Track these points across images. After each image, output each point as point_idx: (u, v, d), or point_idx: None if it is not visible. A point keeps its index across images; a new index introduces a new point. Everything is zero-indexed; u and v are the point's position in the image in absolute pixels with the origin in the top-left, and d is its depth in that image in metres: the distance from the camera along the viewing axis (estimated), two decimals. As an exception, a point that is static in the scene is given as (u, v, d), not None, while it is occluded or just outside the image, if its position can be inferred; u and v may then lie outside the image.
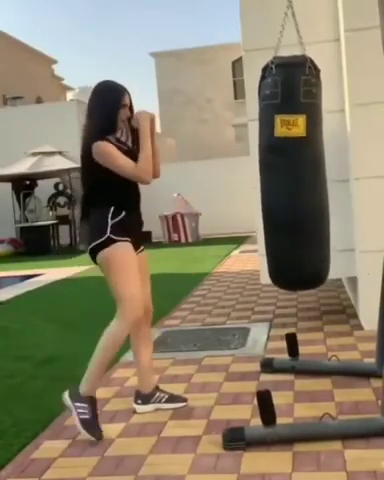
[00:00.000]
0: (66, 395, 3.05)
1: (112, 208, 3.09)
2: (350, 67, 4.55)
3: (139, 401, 3.33)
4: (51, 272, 10.27)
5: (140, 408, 3.31)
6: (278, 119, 3.63)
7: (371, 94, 4.43)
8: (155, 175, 3.25)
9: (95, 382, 3.08)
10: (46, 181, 16.33)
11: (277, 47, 3.71)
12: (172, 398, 3.35)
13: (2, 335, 5.65)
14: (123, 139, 3.25)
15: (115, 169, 3.07)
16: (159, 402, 3.32)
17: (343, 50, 4.68)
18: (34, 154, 15.85)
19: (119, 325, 3.06)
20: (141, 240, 3.30)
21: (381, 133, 4.45)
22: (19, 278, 10.27)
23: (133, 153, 3.15)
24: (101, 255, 3.07)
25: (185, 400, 3.36)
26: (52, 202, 16.64)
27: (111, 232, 3.05)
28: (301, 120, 3.62)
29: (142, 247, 3.31)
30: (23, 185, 16.38)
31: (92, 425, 2.96)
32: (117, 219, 3.08)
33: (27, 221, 16.09)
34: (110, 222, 3.07)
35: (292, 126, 3.62)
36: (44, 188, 16.42)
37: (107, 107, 3.13)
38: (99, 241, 3.06)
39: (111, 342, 3.06)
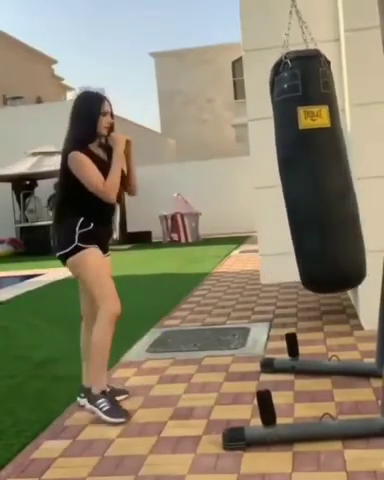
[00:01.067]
0: (84, 401, 3.25)
1: (81, 219, 3.22)
2: (350, 67, 4.55)
3: (81, 395, 3.42)
4: (51, 272, 10.24)
5: (82, 401, 3.41)
6: (301, 111, 3.60)
7: (371, 94, 4.43)
8: (132, 192, 3.44)
9: (101, 380, 3.24)
10: (46, 181, 16.32)
11: (286, 44, 3.72)
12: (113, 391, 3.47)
13: (2, 335, 5.65)
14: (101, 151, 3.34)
15: (83, 181, 3.17)
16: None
17: (343, 50, 4.68)
18: (34, 154, 15.85)
19: (102, 325, 3.20)
20: (107, 247, 3.45)
21: (381, 133, 4.45)
22: (19, 278, 10.27)
23: (107, 166, 3.23)
24: (71, 262, 3.25)
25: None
26: (52, 202, 16.62)
27: (79, 240, 3.20)
28: (324, 111, 3.61)
29: (108, 253, 3.47)
30: (23, 185, 16.39)
31: (115, 411, 3.15)
32: (85, 230, 3.22)
33: (27, 221, 16.10)
34: (78, 231, 3.21)
35: (316, 117, 3.60)
36: (44, 188, 16.40)
37: (87, 116, 3.24)
38: (68, 250, 3.22)
39: (99, 343, 3.20)
